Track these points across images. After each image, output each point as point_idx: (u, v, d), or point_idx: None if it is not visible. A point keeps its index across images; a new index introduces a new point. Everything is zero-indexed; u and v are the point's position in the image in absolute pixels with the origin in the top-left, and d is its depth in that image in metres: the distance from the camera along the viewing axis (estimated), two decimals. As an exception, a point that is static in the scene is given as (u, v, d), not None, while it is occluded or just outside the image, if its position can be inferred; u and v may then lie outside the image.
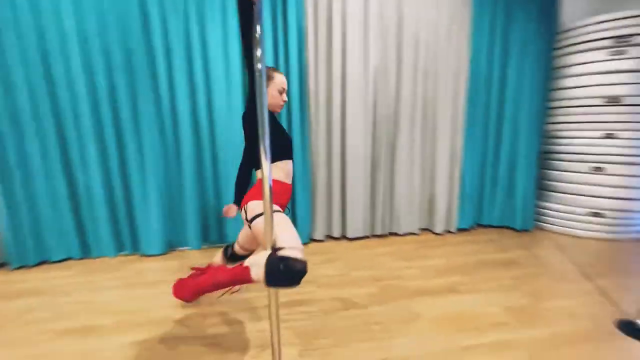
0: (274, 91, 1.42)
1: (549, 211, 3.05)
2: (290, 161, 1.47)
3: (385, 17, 2.62)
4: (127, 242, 2.50)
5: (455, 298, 1.85)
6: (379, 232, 2.87)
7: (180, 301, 1.64)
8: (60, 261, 2.40)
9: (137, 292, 1.96)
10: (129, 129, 2.34)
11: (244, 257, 1.65)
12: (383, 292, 1.91)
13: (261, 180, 1.14)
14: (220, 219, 2.63)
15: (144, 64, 2.29)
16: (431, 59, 2.76)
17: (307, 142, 2.62)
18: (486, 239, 2.86)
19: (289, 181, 1.46)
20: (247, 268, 1.10)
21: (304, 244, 2.72)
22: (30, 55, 2.12)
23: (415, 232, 2.95)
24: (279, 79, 1.42)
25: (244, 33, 1.09)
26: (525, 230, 3.02)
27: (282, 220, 1.24)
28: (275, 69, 1.46)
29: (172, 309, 1.75)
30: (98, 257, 2.47)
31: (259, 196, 1.31)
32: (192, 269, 1.44)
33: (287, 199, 1.47)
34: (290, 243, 1.12)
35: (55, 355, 1.42)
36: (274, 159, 1.34)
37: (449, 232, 3.00)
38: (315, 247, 2.69)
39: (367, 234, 2.85)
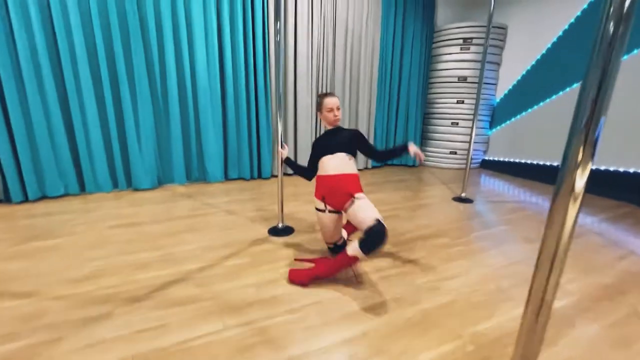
0: (325, 112, 1.74)
1: (426, 153, 4.58)
2: (335, 155, 1.70)
3: (324, 12, 3.57)
4: (121, 178, 3.00)
5: (375, 195, 3.07)
6: (320, 169, 3.95)
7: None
8: (59, 197, 2.79)
9: (149, 206, 2.62)
10: (124, 80, 2.79)
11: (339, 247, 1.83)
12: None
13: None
14: (202, 159, 3.31)
15: (137, 22, 2.76)
16: (356, 44, 3.85)
17: (268, 103, 3.46)
18: (389, 171, 4.23)
19: (336, 172, 1.67)
20: (351, 257, 1.46)
21: (267, 179, 3.62)
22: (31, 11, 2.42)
23: (345, 169, 4.13)
24: (327, 101, 1.72)
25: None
26: (413, 166, 4.51)
27: (360, 206, 1.53)
28: (325, 94, 1.77)
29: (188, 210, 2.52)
30: (94, 192, 2.92)
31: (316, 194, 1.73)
32: (296, 259, 1.76)
33: (341, 188, 1.61)
34: (371, 216, 1.45)
35: (108, 239, 2.09)
36: (321, 155, 1.73)
37: (367, 168, 4.28)
38: (275, 179, 3.61)
39: (312, 170, 3.91)
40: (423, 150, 4.65)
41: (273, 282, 1.59)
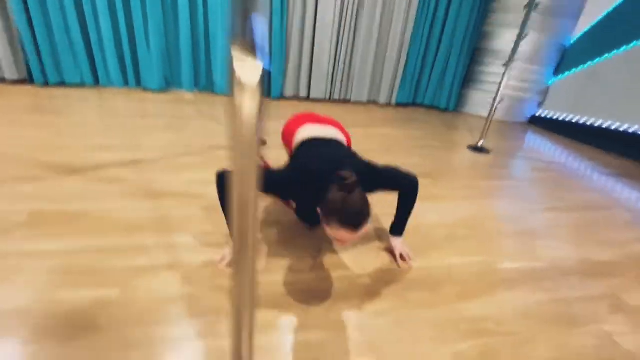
0: (331, 231, 0.89)
1: (467, 98, 3.94)
2: None
3: None
4: (131, 76, 3.07)
5: (378, 129, 2.76)
6: (336, 98, 3.64)
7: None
8: (77, 86, 2.98)
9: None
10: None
11: None
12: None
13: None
14: (210, 69, 3.23)
15: None
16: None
17: (284, 17, 3.11)
18: (416, 111, 3.74)
19: None
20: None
21: (276, 99, 3.44)
22: None
23: (363, 101, 3.75)
24: (342, 231, 0.86)
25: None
26: (447, 110, 3.94)
27: None
28: (348, 207, 0.85)
29: (179, 112, 2.52)
30: (107, 86, 3.06)
31: None
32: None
33: None
34: None
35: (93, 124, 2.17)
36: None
37: (389, 104, 3.84)
38: (285, 103, 3.42)
39: (327, 97, 3.61)
40: (462, 95, 3.98)
41: (208, 182, 1.53)
